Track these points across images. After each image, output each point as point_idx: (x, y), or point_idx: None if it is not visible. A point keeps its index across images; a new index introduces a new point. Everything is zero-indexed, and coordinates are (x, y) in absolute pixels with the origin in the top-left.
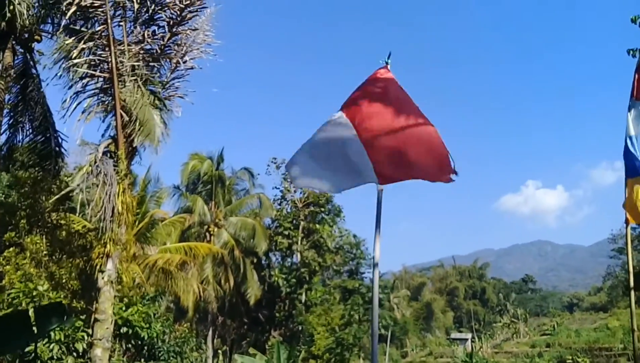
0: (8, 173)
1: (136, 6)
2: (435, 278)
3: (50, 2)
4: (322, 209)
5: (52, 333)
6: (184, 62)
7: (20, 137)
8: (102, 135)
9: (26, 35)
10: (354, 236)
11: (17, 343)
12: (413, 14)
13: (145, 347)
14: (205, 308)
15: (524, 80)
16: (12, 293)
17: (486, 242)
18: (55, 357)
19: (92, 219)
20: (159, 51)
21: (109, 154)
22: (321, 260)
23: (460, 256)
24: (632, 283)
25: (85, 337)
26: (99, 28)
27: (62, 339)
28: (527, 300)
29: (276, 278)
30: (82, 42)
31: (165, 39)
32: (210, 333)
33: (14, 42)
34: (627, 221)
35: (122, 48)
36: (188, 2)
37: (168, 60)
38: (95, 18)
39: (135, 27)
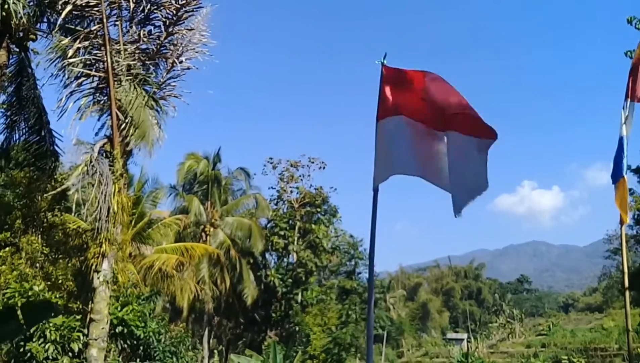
0: (3, 173)
1: (132, 6)
2: (431, 278)
3: (46, 1)
4: (319, 209)
5: (47, 333)
6: (180, 62)
7: (16, 136)
8: (97, 134)
9: (21, 34)
10: (351, 236)
11: (6, 336)
12: (407, 10)
13: (141, 347)
14: (201, 308)
15: (519, 79)
16: (7, 293)
17: (481, 243)
18: (50, 357)
19: (87, 219)
20: (154, 51)
21: (104, 154)
22: (317, 260)
23: (456, 257)
24: (627, 284)
25: (81, 337)
26: (94, 27)
27: (58, 339)
28: (523, 301)
29: (272, 278)
30: (78, 41)
31: (161, 39)
32: (206, 333)
33: (8, 41)
34: (621, 222)
35: (118, 47)
36: (184, 1)
37: (164, 60)
38: (91, 17)
39: (131, 27)
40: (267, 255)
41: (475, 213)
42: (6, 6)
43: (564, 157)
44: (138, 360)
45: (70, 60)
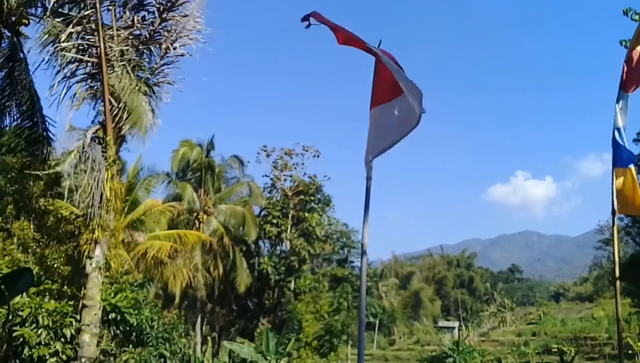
0: None
1: None
2: (424, 267)
3: None
4: (312, 198)
5: (40, 319)
6: (174, 49)
7: (7, 121)
8: (92, 122)
9: (13, 19)
10: (345, 224)
11: None
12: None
13: (134, 333)
14: (194, 295)
15: (514, 70)
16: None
17: (474, 232)
18: (43, 342)
19: (80, 206)
20: (148, 37)
21: (97, 140)
22: (310, 249)
23: (449, 246)
24: (617, 274)
25: (74, 323)
26: (87, 12)
27: (50, 324)
28: (514, 290)
29: (265, 266)
30: (71, 26)
31: (155, 25)
32: (199, 320)
33: (0, 25)
34: (613, 212)
35: (111, 33)
36: None
37: (157, 46)
38: (84, 2)
39: (124, 12)
40: (260, 243)
41: (468, 202)
42: None
43: (558, 148)
44: (131, 346)
45: (63, 45)
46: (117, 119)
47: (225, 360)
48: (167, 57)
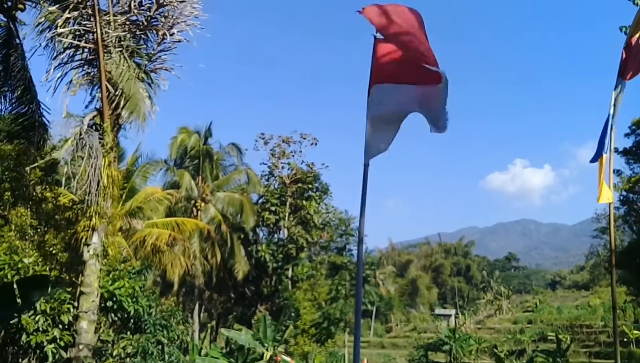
0: None
1: None
2: (421, 254)
3: None
4: (310, 186)
5: (37, 305)
6: (171, 35)
7: (2, 107)
8: (87, 107)
9: (9, 4)
10: (342, 212)
11: (2, 315)
12: None
13: (132, 320)
14: (192, 282)
15: (514, 59)
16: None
17: (471, 220)
18: (40, 329)
19: (77, 192)
20: (145, 23)
21: (94, 127)
22: (308, 236)
23: (446, 234)
24: (614, 261)
25: (71, 309)
26: None
27: (48, 311)
28: (511, 278)
29: (263, 254)
30: (67, 11)
31: (152, 10)
32: (196, 307)
33: None
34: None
35: (108, 18)
36: None
37: (155, 32)
38: None
39: None
40: (258, 231)
41: (467, 190)
42: None
43: (557, 136)
44: (129, 333)
45: (60, 30)
46: (114, 105)
47: (222, 347)
48: (164, 43)
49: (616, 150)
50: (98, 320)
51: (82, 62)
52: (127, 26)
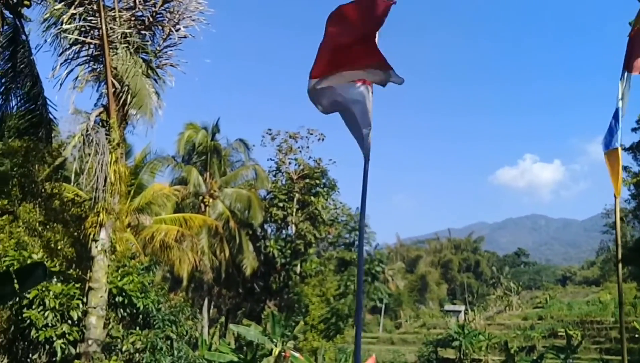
0: (1, 141)
1: None
2: (431, 250)
3: None
4: (317, 182)
5: (47, 301)
6: (177, 31)
7: (12, 104)
8: (95, 104)
9: (15, 1)
10: (350, 208)
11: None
12: None
13: (141, 316)
14: (201, 278)
15: (524, 54)
16: (5, 261)
17: (481, 216)
18: (50, 324)
19: (85, 189)
20: (150, 19)
21: (101, 123)
22: (316, 232)
23: (456, 230)
24: (619, 256)
25: (80, 305)
26: None
27: (57, 307)
28: (521, 273)
29: (271, 249)
30: (72, 7)
31: (157, 6)
32: (205, 303)
33: (2, 6)
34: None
35: (113, 14)
36: None
37: (160, 28)
38: None
39: None
40: (266, 226)
41: (476, 185)
42: None
43: (567, 130)
44: (138, 328)
45: (65, 27)
46: (121, 101)
47: (231, 342)
48: (170, 39)
49: (622, 147)
50: (107, 316)
51: (88, 58)
52: (132, 22)
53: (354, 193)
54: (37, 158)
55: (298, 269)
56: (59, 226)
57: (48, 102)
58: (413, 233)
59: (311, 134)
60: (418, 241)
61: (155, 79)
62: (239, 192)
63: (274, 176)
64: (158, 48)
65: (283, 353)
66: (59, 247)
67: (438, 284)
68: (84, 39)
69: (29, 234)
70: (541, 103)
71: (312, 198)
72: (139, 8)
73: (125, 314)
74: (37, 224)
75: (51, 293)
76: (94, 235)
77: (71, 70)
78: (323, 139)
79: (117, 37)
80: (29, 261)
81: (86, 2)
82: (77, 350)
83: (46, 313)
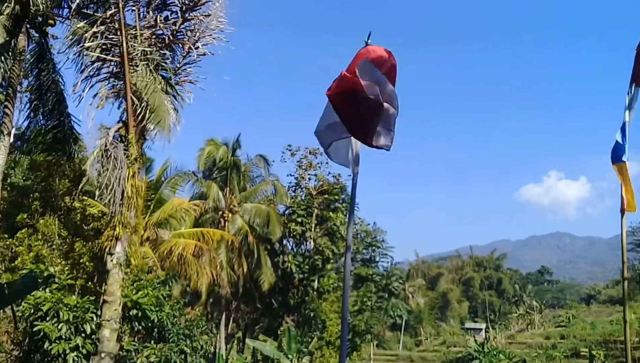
0: (29, 156)
1: None
2: (452, 267)
3: None
4: (336, 197)
5: (61, 314)
6: (196, 48)
7: (40, 120)
8: (118, 122)
9: (40, 20)
10: (369, 224)
11: None
12: None
13: (155, 329)
14: (220, 292)
15: (551, 69)
16: (23, 274)
17: (503, 233)
18: (64, 337)
19: (103, 203)
20: (171, 37)
21: (119, 139)
22: (334, 248)
23: (478, 247)
24: (625, 273)
25: (94, 318)
26: (110, 12)
27: (71, 319)
28: (544, 292)
29: (289, 265)
30: (95, 26)
31: (178, 25)
32: (223, 317)
33: (28, 25)
34: (622, 211)
35: (134, 32)
36: None
37: (180, 45)
38: (108, 2)
39: (147, 12)
40: (284, 242)
41: (500, 202)
42: None
43: (594, 147)
44: (152, 342)
45: (87, 45)
46: (139, 117)
47: (248, 358)
48: (190, 56)
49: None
50: (121, 329)
51: (109, 75)
52: (152, 40)
53: (373, 208)
54: (58, 172)
55: (316, 285)
56: (79, 239)
57: (72, 118)
58: (434, 249)
59: None
60: (440, 258)
61: (174, 96)
62: (258, 207)
63: (294, 191)
64: (178, 65)
65: None
66: (78, 261)
67: (459, 302)
68: (105, 56)
69: (47, 247)
70: (566, 118)
71: (330, 213)
72: (159, 27)
73: (140, 327)
74: (57, 237)
75: (65, 305)
76: (109, 248)
77: (91, 86)
78: None
79: (137, 54)
80: (46, 274)
81: (108, 20)
82: None
83: (60, 326)
